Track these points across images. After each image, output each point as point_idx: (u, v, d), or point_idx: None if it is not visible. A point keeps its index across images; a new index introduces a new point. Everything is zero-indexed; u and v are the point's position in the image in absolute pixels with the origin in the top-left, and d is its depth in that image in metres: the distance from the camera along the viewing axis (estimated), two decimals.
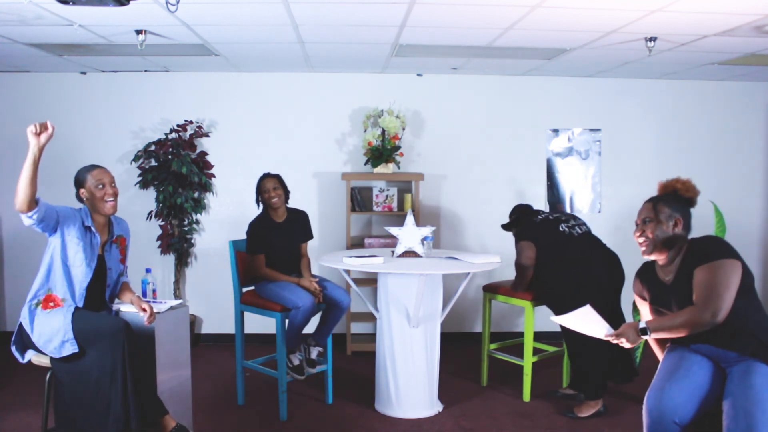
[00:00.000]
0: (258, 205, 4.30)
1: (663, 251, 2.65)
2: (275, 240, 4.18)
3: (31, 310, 3.12)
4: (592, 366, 3.97)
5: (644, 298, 2.83)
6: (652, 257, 2.69)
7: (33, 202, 2.89)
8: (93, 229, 3.17)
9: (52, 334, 3.04)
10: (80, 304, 3.13)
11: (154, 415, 3.04)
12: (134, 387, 2.97)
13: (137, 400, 2.97)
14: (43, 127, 2.91)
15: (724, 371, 2.57)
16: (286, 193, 4.26)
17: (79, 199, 3.23)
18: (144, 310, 3.20)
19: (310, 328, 4.29)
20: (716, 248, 2.56)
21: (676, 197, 2.71)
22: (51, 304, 3.10)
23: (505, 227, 4.50)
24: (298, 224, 4.33)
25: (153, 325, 3.23)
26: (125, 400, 2.95)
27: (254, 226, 4.20)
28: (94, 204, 3.17)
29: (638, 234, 2.68)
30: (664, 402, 2.50)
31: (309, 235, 4.40)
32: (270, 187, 4.18)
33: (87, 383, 3.00)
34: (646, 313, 2.87)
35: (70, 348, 3.02)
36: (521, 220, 4.36)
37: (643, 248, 2.68)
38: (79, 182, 3.21)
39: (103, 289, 3.27)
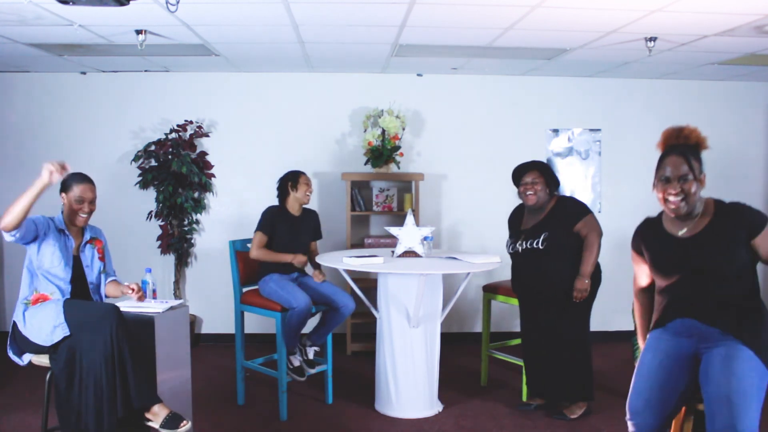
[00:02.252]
0: (279, 199, 4.39)
1: (692, 209, 2.50)
2: (286, 230, 4.26)
3: (23, 308, 3.21)
4: (586, 369, 3.96)
5: (641, 254, 2.71)
6: (681, 216, 2.52)
7: (19, 224, 3.03)
8: (67, 231, 3.30)
9: (43, 323, 3.10)
10: (68, 297, 3.24)
11: (141, 400, 3.03)
12: (123, 370, 2.98)
13: (124, 383, 2.98)
14: (63, 169, 3.00)
15: (699, 356, 2.50)
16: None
17: (60, 191, 3.34)
18: (132, 289, 3.35)
19: (309, 327, 4.30)
20: (760, 213, 2.51)
21: (698, 150, 2.58)
22: (40, 300, 3.20)
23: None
24: (310, 222, 4.45)
25: (153, 324, 3.23)
26: (114, 384, 2.98)
27: (270, 210, 4.32)
28: (68, 212, 3.31)
29: (676, 192, 2.45)
30: (648, 423, 2.54)
31: (319, 235, 4.53)
32: (309, 183, 4.37)
33: (83, 371, 3.02)
34: (641, 274, 2.76)
35: (61, 332, 3.06)
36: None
37: (680, 206, 2.46)
38: (64, 186, 3.31)
39: (85, 287, 3.36)
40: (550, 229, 3.88)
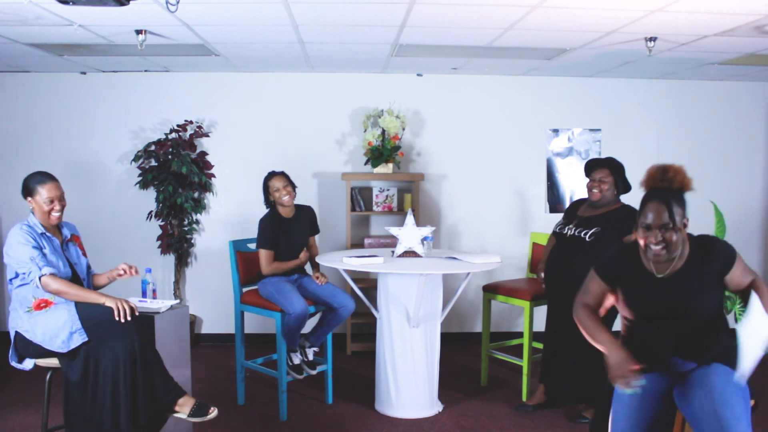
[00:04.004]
0: (267, 206, 4.32)
1: (673, 256, 2.50)
2: (285, 237, 4.22)
3: (26, 317, 3.09)
4: (603, 372, 3.94)
5: (610, 286, 2.63)
6: (662, 262, 2.52)
7: None
8: (48, 233, 3.21)
9: (57, 329, 3.02)
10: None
11: (170, 396, 3.04)
12: (148, 371, 2.97)
13: (147, 389, 2.97)
14: (130, 311, 3.07)
15: (673, 381, 2.51)
16: (294, 188, 4.29)
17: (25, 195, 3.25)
18: (122, 273, 3.32)
19: (309, 327, 4.30)
20: (730, 248, 2.56)
21: (681, 193, 2.53)
22: (42, 305, 3.09)
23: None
24: (306, 220, 4.38)
25: (153, 324, 3.23)
26: (134, 391, 2.95)
27: (266, 222, 4.22)
28: (40, 214, 3.21)
29: (656, 240, 2.45)
30: None
31: (316, 230, 4.47)
32: (281, 185, 4.21)
33: (99, 376, 2.98)
34: (597, 296, 2.66)
35: (79, 338, 3.01)
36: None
37: (660, 254, 2.46)
38: (27, 191, 3.21)
39: (78, 284, 3.26)
40: (603, 226, 3.83)
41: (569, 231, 3.94)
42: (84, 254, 3.40)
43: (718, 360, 2.44)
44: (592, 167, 3.99)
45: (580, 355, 3.89)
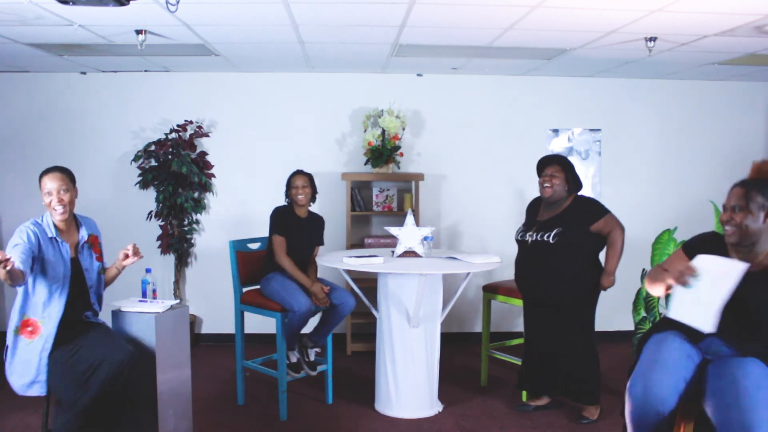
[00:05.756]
0: (286, 200, 4.35)
1: (748, 242, 2.54)
2: (292, 233, 4.22)
3: (12, 337, 3.02)
4: (594, 369, 3.95)
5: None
6: (734, 245, 2.57)
7: (22, 278, 2.83)
8: (58, 238, 3.05)
9: (24, 370, 2.95)
10: (59, 315, 3.01)
11: None
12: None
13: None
14: None
15: (704, 361, 2.48)
16: (314, 193, 4.34)
17: None
18: (127, 253, 3.15)
19: (310, 327, 4.30)
20: None
21: None
22: (29, 329, 2.97)
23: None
24: (316, 227, 4.40)
25: (153, 324, 3.23)
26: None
27: (278, 212, 4.26)
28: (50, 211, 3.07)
29: (726, 220, 2.56)
30: (649, 390, 2.43)
31: (321, 241, 4.46)
32: (299, 184, 4.26)
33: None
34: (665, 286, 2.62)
35: (38, 390, 2.95)
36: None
37: (730, 237, 2.55)
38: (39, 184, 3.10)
39: (85, 291, 3.17)
40: (564, 225, 3.85)
41: (530, 238, 3.95)
42: (99, 259, 3.25)
43: (758, 356, 2.38)
44: (543, 164, 4.02)
45: (560, 355, 3.93)
